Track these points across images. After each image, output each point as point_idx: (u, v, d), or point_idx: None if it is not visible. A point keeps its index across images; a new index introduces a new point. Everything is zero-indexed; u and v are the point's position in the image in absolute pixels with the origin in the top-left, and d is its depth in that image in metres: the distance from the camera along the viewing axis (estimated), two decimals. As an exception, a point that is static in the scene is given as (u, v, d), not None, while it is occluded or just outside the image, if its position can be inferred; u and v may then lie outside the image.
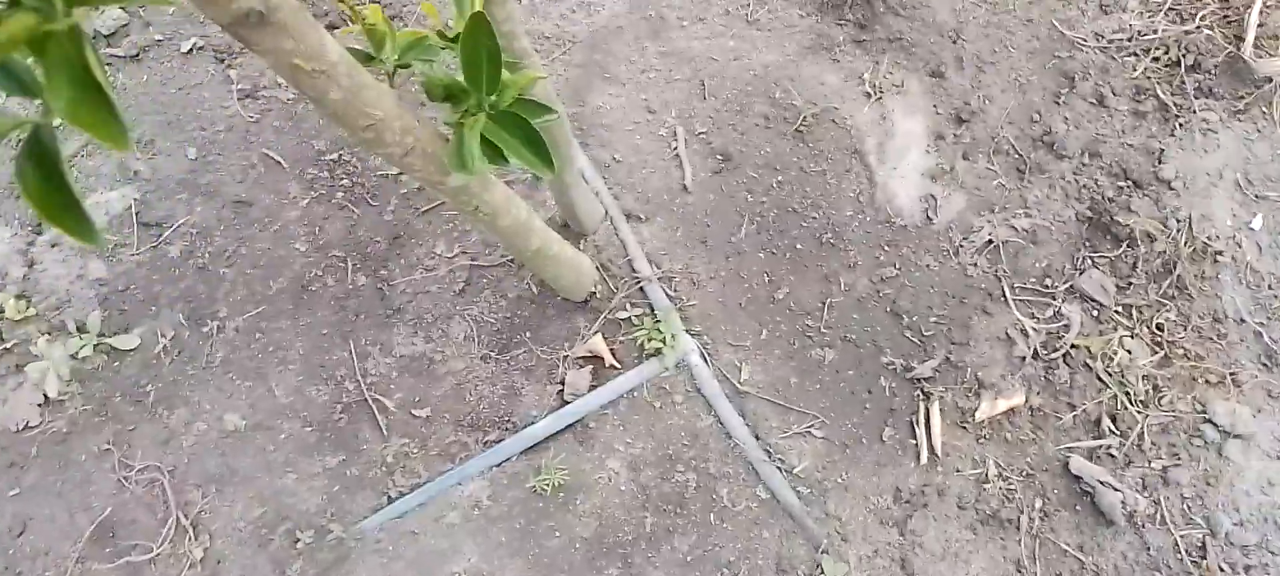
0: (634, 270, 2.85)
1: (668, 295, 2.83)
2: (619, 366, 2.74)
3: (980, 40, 3.10)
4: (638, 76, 3.21)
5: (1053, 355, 2.70)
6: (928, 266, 2.87)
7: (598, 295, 2.82)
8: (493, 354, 2.78)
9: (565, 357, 2.75)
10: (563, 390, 2.71)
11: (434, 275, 2.91)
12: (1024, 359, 2.70)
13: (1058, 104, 3.00)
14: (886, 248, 2.90)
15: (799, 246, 2.90)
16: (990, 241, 2.87)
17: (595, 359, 2.75)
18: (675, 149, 3.06)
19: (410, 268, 2.92)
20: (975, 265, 2.86)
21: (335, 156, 3.08)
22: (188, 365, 2.78)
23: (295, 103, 3.17)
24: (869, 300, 2.84)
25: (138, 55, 3.22)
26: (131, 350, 2.80)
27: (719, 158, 3.03)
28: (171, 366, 2.77)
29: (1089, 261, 2.81)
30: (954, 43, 3.11)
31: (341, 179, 3.05)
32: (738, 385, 2.72)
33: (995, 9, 3.14)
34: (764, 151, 3.02)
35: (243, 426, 2.71)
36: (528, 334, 2.80)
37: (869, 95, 3.08)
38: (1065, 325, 2.73)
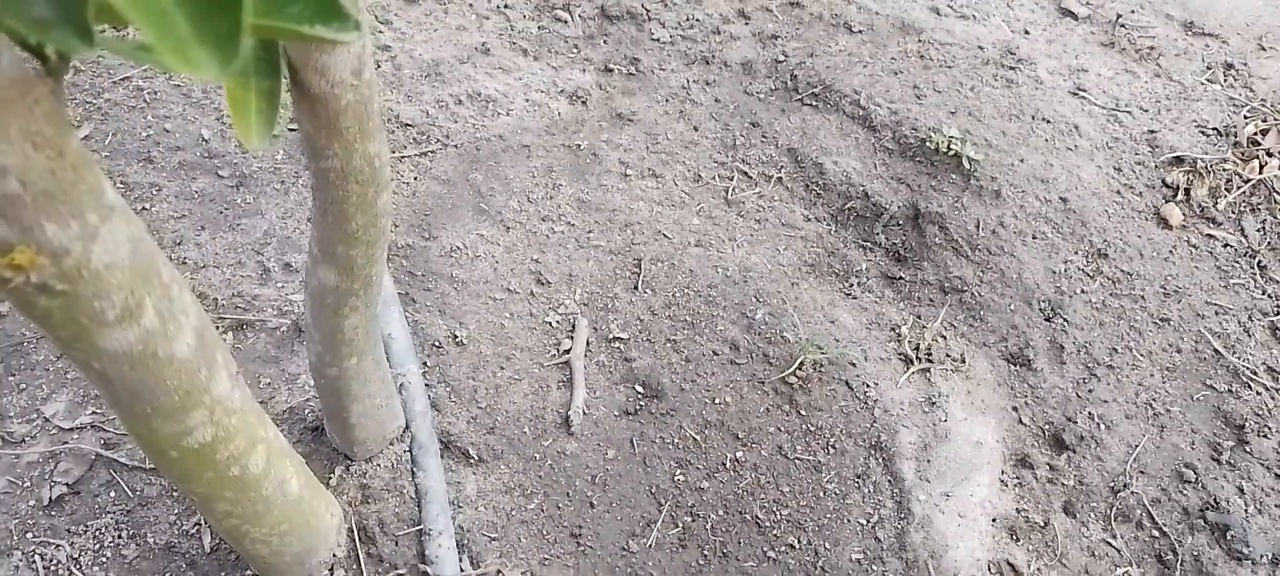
0: (423, 560, 1.36)
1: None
2: None
3: (1091, 329, 1.90)
4: (534, 224, 1.89)
5: None
6: None
7: (325, 591, 1.30)
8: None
9: None
10: None
11: (12, 454, 1.36)
12: None
13: (1219, 463, 1.75)
14: (917, 645, 1.48)
15: (755, 597, 1.46)
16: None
17: None
18: (566, 353, 1.68)
19: (-43, 424, 1.38)
20: None
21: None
22: None
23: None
24: None
25: None
26: None
27: (639, 388, 1.65)
28: None
29: None
30: (1048, 320, 1.90)
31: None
32: None
33: (1115, 289, 1.97)
34: (720, 401, 1.66)
35: None
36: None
37: (907, 362, 1.79)
38: None
